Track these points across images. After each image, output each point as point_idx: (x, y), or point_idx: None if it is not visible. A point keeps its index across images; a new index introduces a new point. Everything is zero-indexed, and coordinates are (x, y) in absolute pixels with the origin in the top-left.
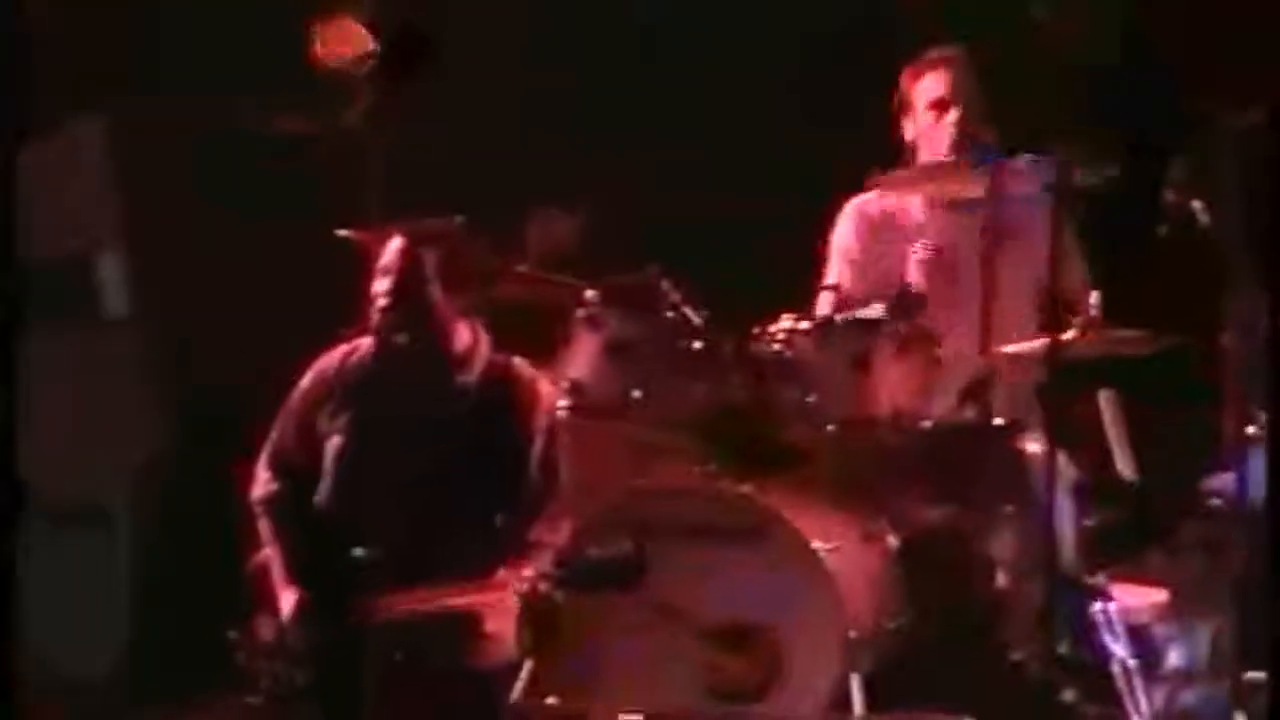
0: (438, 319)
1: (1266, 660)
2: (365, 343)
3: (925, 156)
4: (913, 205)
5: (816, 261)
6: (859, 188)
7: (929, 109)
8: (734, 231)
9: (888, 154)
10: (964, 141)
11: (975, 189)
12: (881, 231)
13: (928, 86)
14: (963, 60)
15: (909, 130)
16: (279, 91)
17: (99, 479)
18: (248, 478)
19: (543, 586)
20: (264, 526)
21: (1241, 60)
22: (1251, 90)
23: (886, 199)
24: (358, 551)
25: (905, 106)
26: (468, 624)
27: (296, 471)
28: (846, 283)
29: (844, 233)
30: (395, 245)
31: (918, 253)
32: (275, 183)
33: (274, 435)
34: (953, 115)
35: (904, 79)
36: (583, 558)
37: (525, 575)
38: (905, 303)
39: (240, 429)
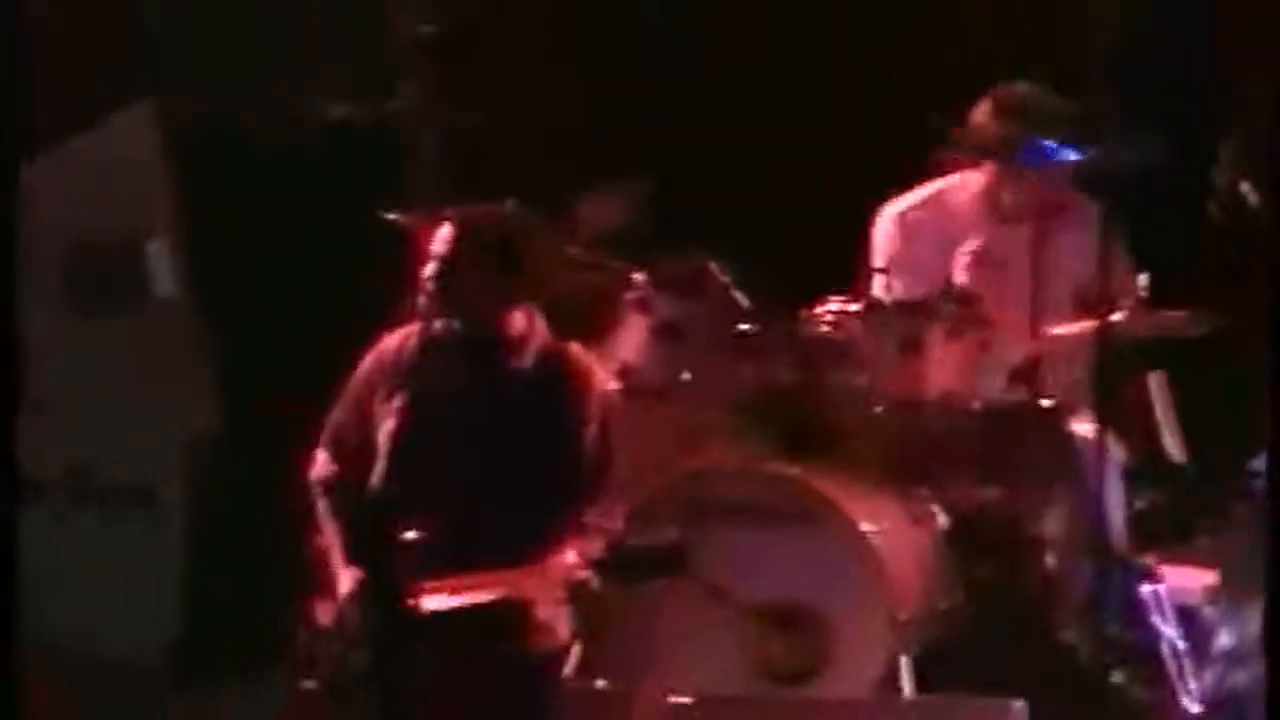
0: (490, 304)
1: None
2: (423, 327)
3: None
4: (955, 206)
5: (864, 244)
6: (913, 172)
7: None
8: (784, 213)
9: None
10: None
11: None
12: (924, 235)
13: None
14: (1032, 104)
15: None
16: (329, 77)
17: (150, 461)
18: (306, 460)
19: (586, 575)
20: (321, 508)
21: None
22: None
23: (926, 206)
24: (410, 534)
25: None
26: (518, 609)
27: (353, 454)
28: (895, 287)
29: (887, 238)
30: (446, 230)
31: (964, 256)
32: (327, 167)
33: (332, 417)
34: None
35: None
36: (626, 547)
37: (571, 563)
38: (952, 297)
39: (291, 411)
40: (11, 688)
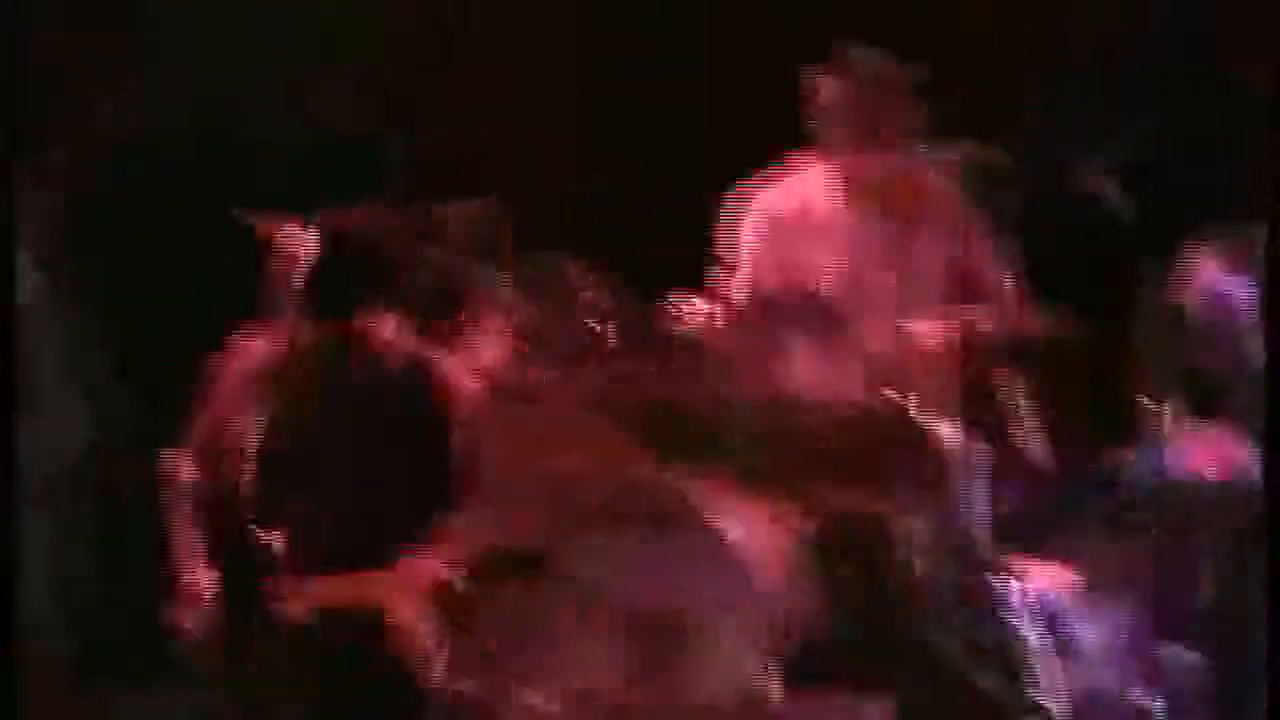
0: (355, 308)
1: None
2: (287, 332)
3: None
4: (821, 189)
5: (725, 240)
6: (768, 164)
7: (825, 109)
8: (643, 211)
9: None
10: (862, 144)
11: (882, 174)
12: (786, 228)
13: (824, 88)
14: (865, 67)
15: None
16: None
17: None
18: (173, 465)
19: (444, 575)
20: (184, 514)
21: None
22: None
23: (790, 197)
24: (271, 537)
25: (810, 102)
26: (380, 613)
27: (217, 458)
28: (756, 280)
29: (749, 231)
30: (309, 235)
31: (827, 252)
32: (189, 172)
33: (196, 422)
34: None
35: (809, 77)
36: (485, 550)
37: (433, 566)
38: (812, 305)
39: (159, 418)
40: None
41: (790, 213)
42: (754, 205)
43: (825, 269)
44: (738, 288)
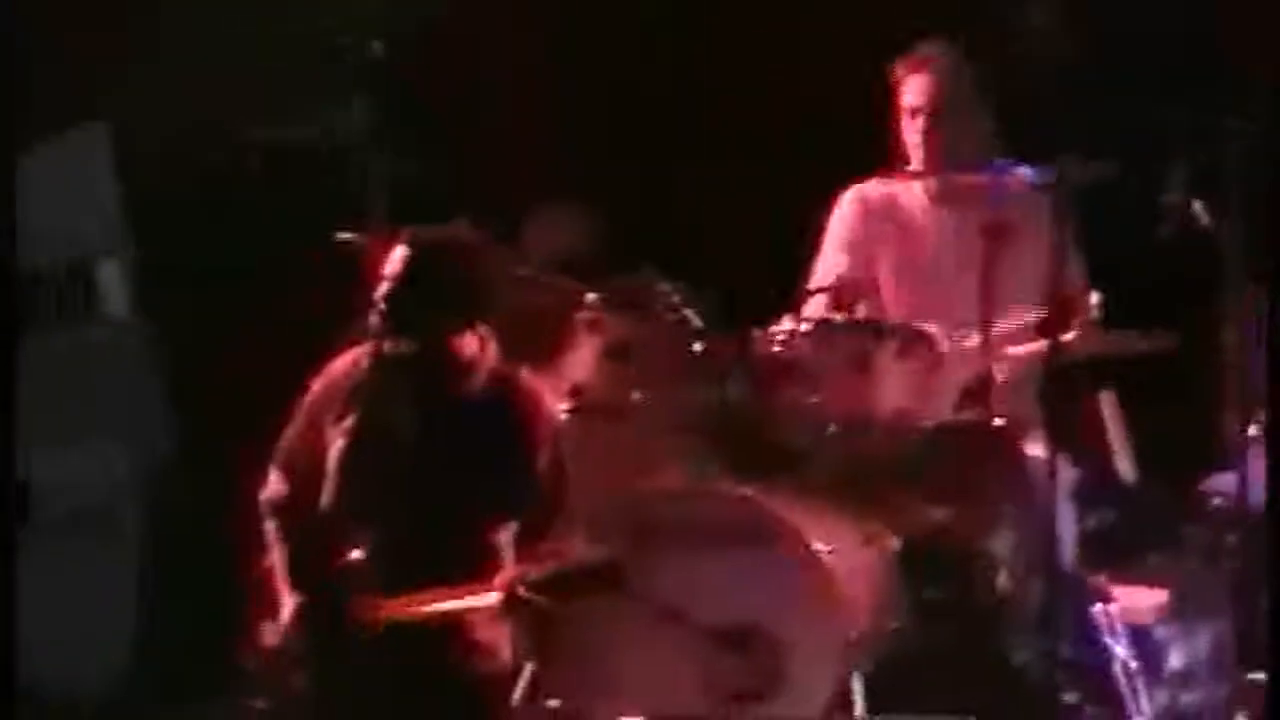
0: (442, 325)
1: (1267, 661)
2: (375, 347)
3: (913, 160)
4: (914, 196)
5: (808, 263)
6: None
7: (908, 115)
8: (733, 233)
9: (886, 152)
10: (935, 150)
11: (973, 191)
12: (880, 217)
13: (907, 90)
14: (942, 62)
15: (903, 129)
16: (281, 99)
17: (103, 483)
18: (257, 481)
19: (521, 592)
20: (270, 529)
21: (1248, 64)
22: (1256, 95)
23: (889, 186)
24: (356, 554)
25: (894, 106)
26: (460, 631)
27: (304, 475)
28: (843, 268)
29: (842, 215)
30: (398, 250)
31: (914, 267)
32: (279, 189)
33: (284, 438)
34: (921, 123)
35: (892, 76)
36: (561, 565)
37: (511, 582)
38: (845, 292)
39: (243, 433)
40: None
41: (881, 203)
42: (847, 193)
43: (909, 273)
44: (821, 305)
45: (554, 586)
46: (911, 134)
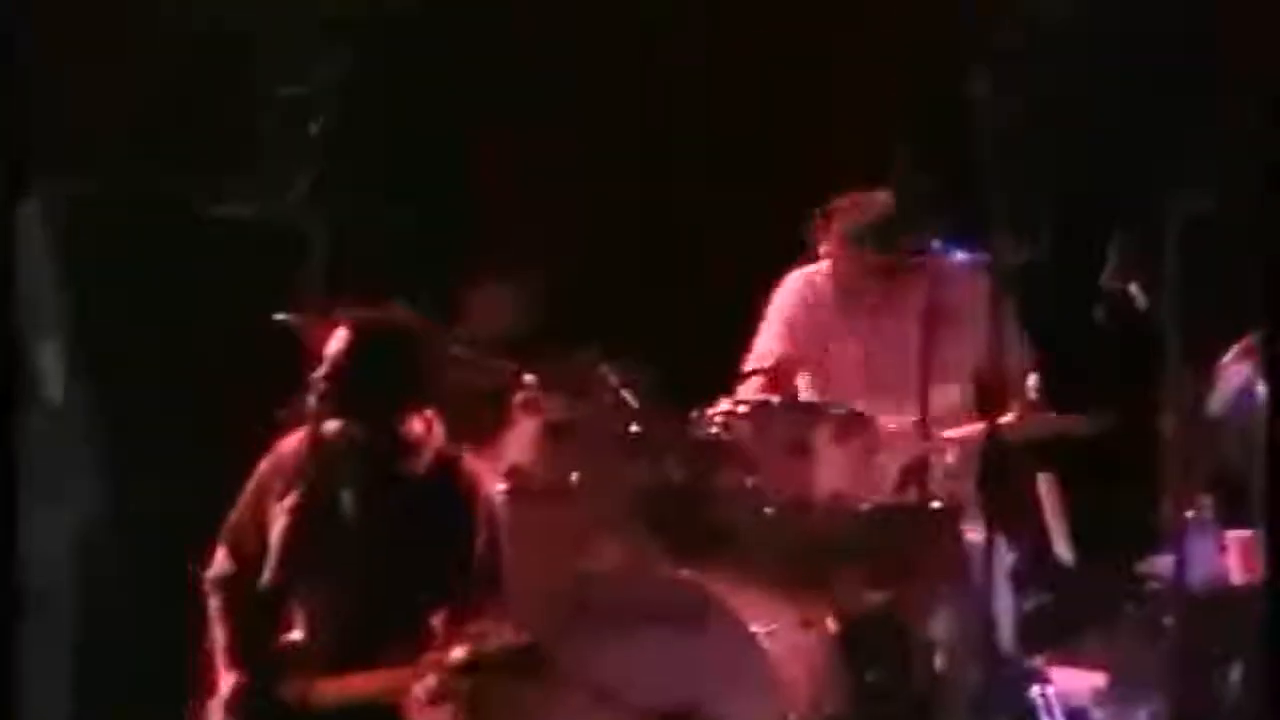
0: (385, 410)
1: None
2: (315, 428)
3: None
4: (855, 279)
5: (748, 342)
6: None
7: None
8: (671, 314)
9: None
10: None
11: (913, 272)
12: (821, 299)
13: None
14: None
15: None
16: (221, 174)
17: (40, 564)
18: (203, 560)
19: (444, 676)
20: (214, 606)
21: (1184, 144)
22: (1195, 175)
23: (821, 278)
24: (295, 635)
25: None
26: (396, 710)
27: (248, 553)
28: (779, 347)
29: (785, 296)
30: (340, 334)
31: (851, 346)
32: (217, 265)
33: (231, 517)
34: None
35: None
36: (484, 648)
37: (442, 664)
38: (782, 374)
39: (183, 512)
40: None
41: (822, 288)
42: (794, 275)
43: (850, 355)
44: (757, 387)
45: (474, 669)
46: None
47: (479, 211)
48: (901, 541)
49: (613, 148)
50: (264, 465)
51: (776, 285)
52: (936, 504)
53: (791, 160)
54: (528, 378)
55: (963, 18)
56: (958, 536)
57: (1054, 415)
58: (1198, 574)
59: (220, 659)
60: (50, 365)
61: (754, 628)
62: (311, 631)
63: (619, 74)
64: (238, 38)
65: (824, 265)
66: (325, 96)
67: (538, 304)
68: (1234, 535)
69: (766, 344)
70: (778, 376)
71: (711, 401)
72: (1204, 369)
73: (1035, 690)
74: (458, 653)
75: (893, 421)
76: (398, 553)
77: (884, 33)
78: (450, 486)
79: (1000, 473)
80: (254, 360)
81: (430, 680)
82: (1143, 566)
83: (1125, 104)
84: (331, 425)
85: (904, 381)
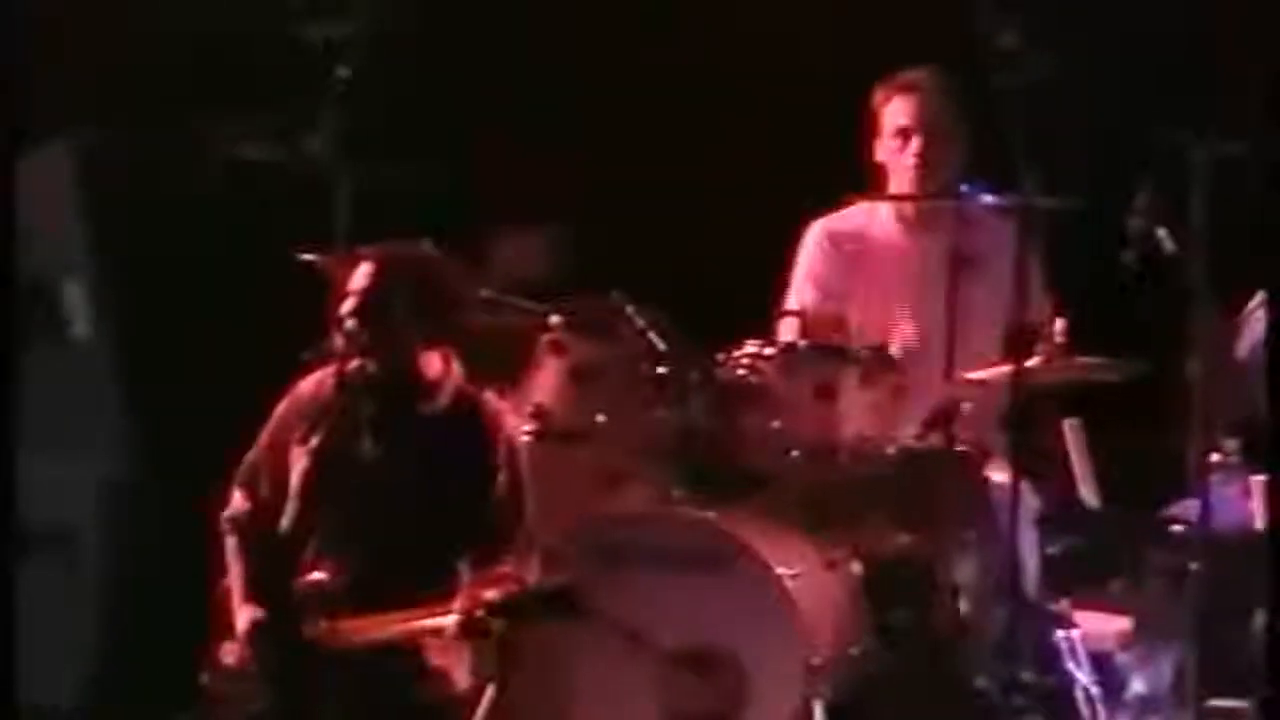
0: (406, 345)
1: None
2: (339, 367)
3: (892, 183)
4: (882, 224)
5: (783, 286)
6: (829, 209)
7: (894, 136)
8: (699, 256)
9: (859, 176)
10: (926, 172)
11: (942, 216)
12: (848, 251)
13: (894, 111)
14: (931, 85)
15: (879, 152)
16: (245, 116)
17: (65, 502)
18: (220, 499)
19: (481, 618)
20: (230, 546)
21: (1215, 90)
22: (1226, 121)
23: (856, 218)
24: (317, 575)
25: (875, 128)
26: (417, 654)
27: (266, 493)
28: (811, 302)
29: (810, 251)
30: (363, 269)
31: (881, 290)
32: (242, 208)
33: (249, 456)
34: (915, 145)
35: (874, 99)
36: (518, 590)
37: (469, 606)
38: (819, 324)
39: (207, 452)
40: None
41: (849, 236)
42: (814, 227)
43: (878, 302)
44: (790, 330)
45: (511, 610)
46: (895, 156)
47: (508, 160)
48: (927, 485)
49: (646, 90)
50: (282, 406)
51: (804, 229)
52: (962, 448)
53: (823, 98)
54: (554, 319)
55: None
56: (983, 480)
57: (1080, 359)
58: (1223, 518)
59: (236, 596)
60: (76, 304)
61: (779, 570)
62: (334, 572)
63: (654, 16)
64: None
65: (846, 212)
66: (356, 40)
67: (566, 249)
68: (1259, 480)
69: (799, 297)
70: (815, 325)
71: (738, 344)
72: (1231, 313)
73: (1060, 634)
74: (491, 594)
75: (920, 365)
76: (420, 493)
77: None
78: (470, 425)
79: (1026, 417)
80: (281, 301)
81: (460, 620)
82: (1168, 511)
83: (1153, 48)
84: (352, 364)
85: (931, 326)
